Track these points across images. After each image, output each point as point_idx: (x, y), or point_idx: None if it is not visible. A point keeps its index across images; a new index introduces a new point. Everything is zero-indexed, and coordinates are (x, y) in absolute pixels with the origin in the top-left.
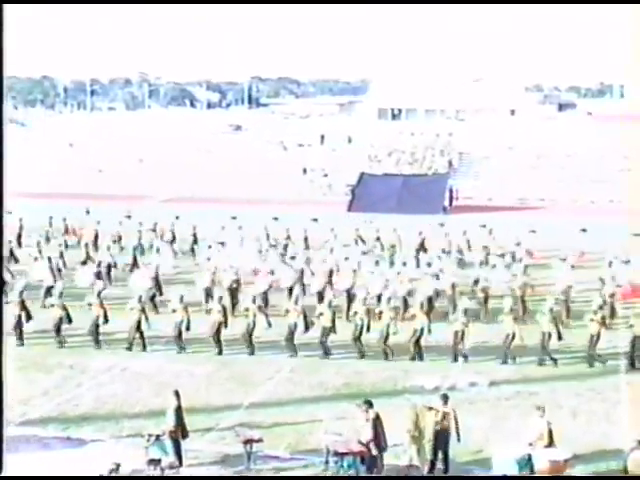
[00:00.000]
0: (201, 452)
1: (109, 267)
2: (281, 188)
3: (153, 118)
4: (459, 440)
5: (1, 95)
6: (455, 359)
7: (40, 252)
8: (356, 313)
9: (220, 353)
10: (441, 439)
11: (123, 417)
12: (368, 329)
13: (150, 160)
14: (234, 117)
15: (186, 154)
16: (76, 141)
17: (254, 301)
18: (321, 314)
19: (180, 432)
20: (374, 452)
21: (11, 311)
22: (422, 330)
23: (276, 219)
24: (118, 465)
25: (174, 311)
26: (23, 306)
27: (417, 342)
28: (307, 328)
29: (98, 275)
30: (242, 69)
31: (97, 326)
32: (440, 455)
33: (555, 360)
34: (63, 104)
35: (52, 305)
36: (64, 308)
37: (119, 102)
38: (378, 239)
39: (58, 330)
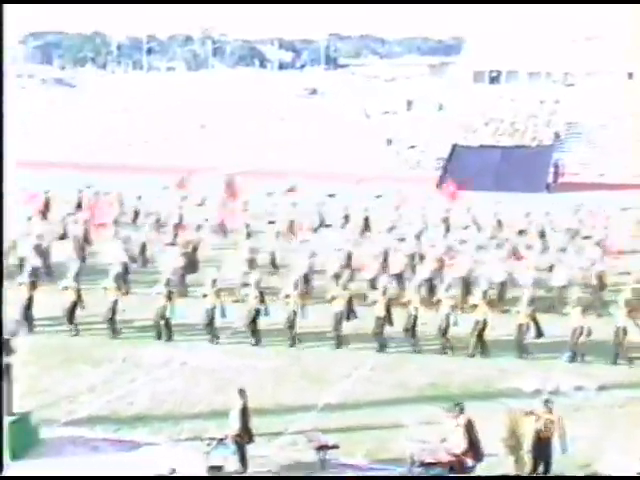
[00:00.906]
0: (269, 458)
1: None
2: (362, 161)
3: (217, 80)
4: (565, 451)
5: (1, 92)
6: (520, 356)
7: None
8: (409, 302)
9: (257, 343)
10: (543, 450)
11: (182, 418)
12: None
13: (214, 127)
14: (309, 79)
15: (254, 121)
16: (131, 105)
17: (296, 287)
18: (374, 302)
19: (245, 436)
20: (469, 463)
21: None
22: (485, 322)
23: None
24: (174, 471)
25: (205, 296)
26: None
27: (479, 336)
28: (349, 317)
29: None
30: (319, 25)
31: (114, 312)
32: (541, 468)
33: (630, 360)
34: (116, 63)
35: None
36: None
37: (179, 61)
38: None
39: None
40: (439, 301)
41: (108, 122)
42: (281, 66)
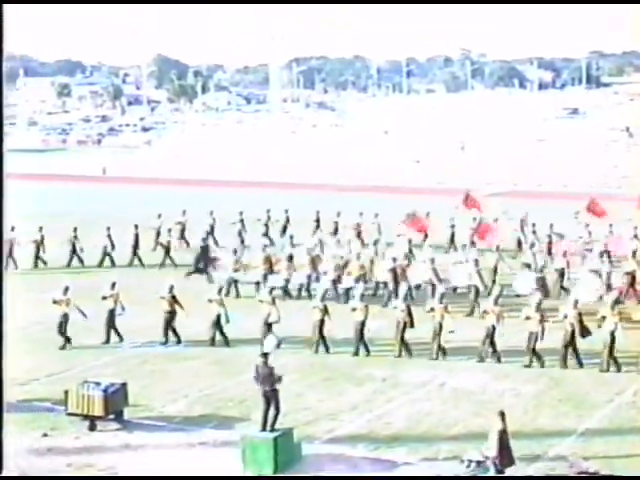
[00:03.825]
0: None
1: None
2: (625, 181)
3: (477, 101)
4: None
5: (1, 97)
6: None
7: None
8: (566, 317)
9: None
10: None
11: (439, 439)
12: (583, 335)
13: (474, 148)
14: (570, 99)
15: (514, 142)
16: (391, 128)
17: (441, 300)
18: (528, 318)
19: (505, 459)
20: None
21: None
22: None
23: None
24: None
25: (354, 310)
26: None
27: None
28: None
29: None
30: (579, 43)
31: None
32: None
33: None
34: (377, 86)
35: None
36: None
37: (438, 83)
38: None
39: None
40: (604, 317)
41: (368, 145)
42: (541, 86)
